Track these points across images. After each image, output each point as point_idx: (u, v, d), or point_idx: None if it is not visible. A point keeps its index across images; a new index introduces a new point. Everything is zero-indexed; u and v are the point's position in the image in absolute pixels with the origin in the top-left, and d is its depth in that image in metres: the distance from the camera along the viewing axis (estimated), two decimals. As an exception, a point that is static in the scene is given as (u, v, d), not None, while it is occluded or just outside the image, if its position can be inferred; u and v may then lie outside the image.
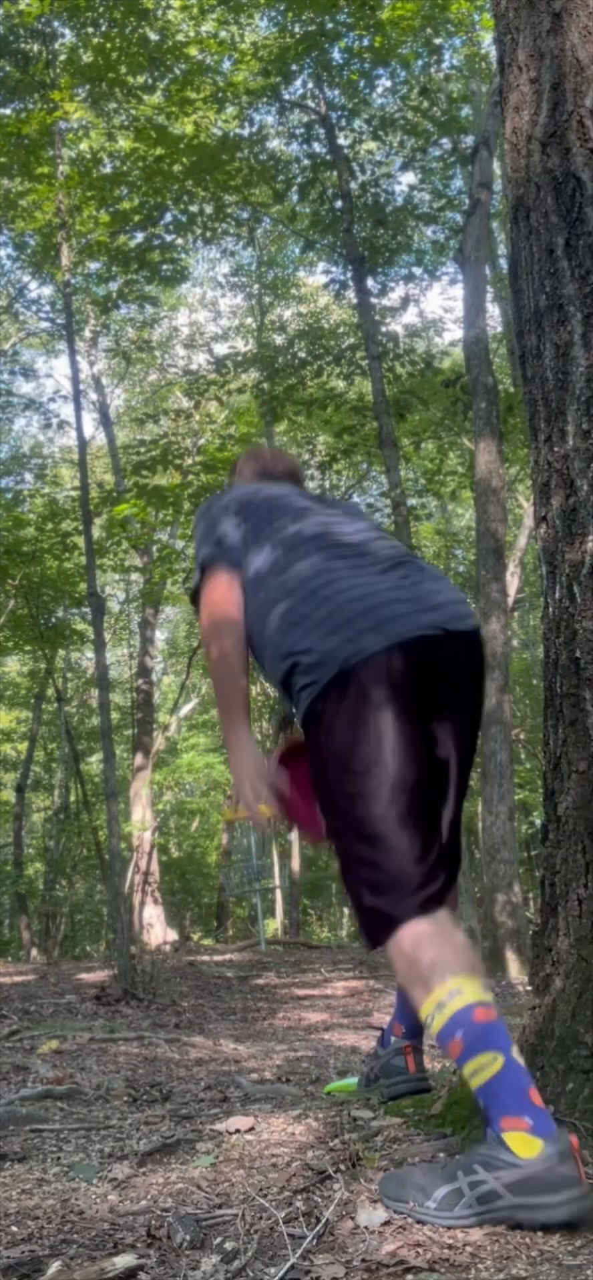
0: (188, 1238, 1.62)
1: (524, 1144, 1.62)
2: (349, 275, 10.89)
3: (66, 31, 8.91)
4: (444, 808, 2.02)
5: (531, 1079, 1.71)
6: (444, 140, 11.40)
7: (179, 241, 11.22)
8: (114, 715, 14.70)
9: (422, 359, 11.25)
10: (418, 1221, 1.65)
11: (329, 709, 1.90)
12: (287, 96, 10.92)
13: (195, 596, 2.23)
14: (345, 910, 22.10)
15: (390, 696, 1.87)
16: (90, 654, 16.85)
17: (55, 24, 8.32)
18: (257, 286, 16.91)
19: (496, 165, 10.32)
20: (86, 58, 8.72)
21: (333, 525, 2.17)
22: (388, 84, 11.25)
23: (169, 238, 10.86)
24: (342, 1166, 1.91)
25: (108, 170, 9.83)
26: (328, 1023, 5.09)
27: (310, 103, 10.92)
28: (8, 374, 15.32)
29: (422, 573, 2.06)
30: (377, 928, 1.85)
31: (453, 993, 1.74)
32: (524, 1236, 1.58)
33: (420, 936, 1.80)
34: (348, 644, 1.89)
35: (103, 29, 8.54)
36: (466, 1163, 1.69)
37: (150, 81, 9.17)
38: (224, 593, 2.13)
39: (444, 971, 1.76)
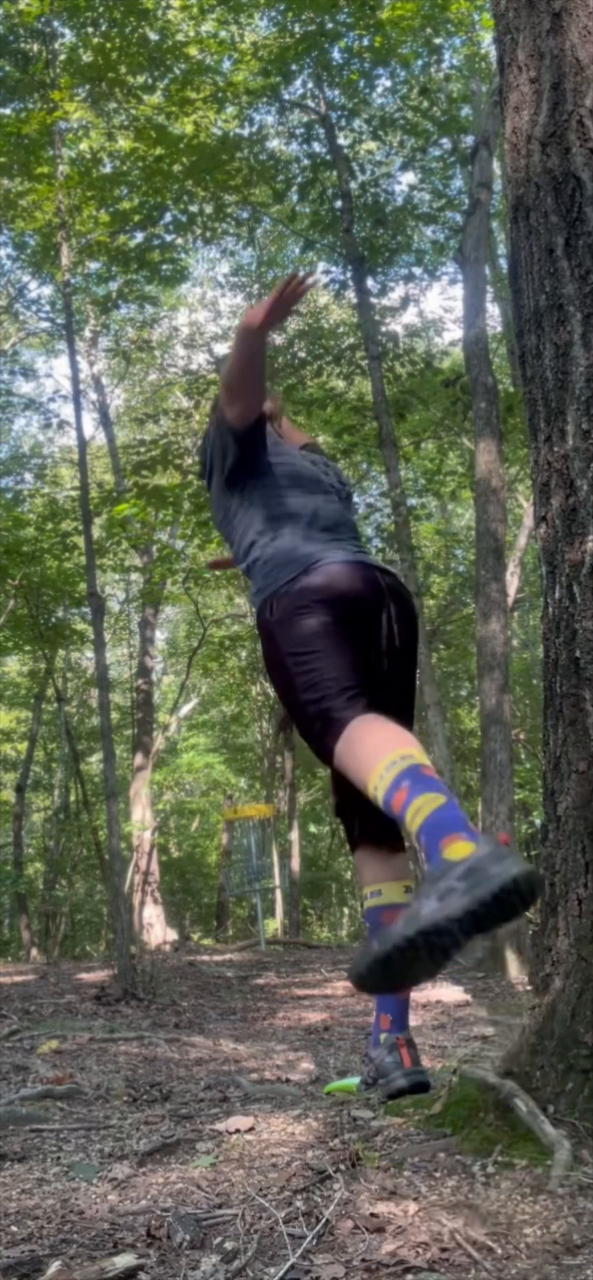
0: (188, 1237, 1.62)
1: (463, 848, 1.78)
2: (349, 275, 10.89)
3: (66, 31, 8.91)
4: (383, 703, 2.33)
5: (466, 817, 1.90)
6: (444, 140, 11.40)
7: (179, 241, 11.22)
8: (114, 715, 14.70)
9: (422, 359, 11.25)
10: (383, 956, 1.73)
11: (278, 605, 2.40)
12: (286, 96, 10.92)
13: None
14: (345, 910, 22.09)
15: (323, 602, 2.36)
16: (90, 654, 16.86)
17: (55, 24, 8.31)
18: (257, 286, 16.90)
19: (495, 165, 10.32)
20: (86, 57, 8.72)
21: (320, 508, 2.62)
22: (388, 84, 11.25)
23: (169, 238, 10.86)
24: (342, 1166, 1.92)
25: (108, 170, 9.83)
26: (328, 1022, 5.09)
27: (310, 103, 10.92)
28: (8, 374, 15.33)
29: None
30: (326, 735, 2.23)
31: (403, 757, 1.99)
32: (525, 1236, 1.58)
33: (363, 728, 2.13)
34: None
35: (103, 29, 8.54)
36: (414, 895, 1.88)
37: (150, 81, 9.17)
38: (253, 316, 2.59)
39: (389, 747, 2.02)
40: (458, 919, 1.71)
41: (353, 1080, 2.77)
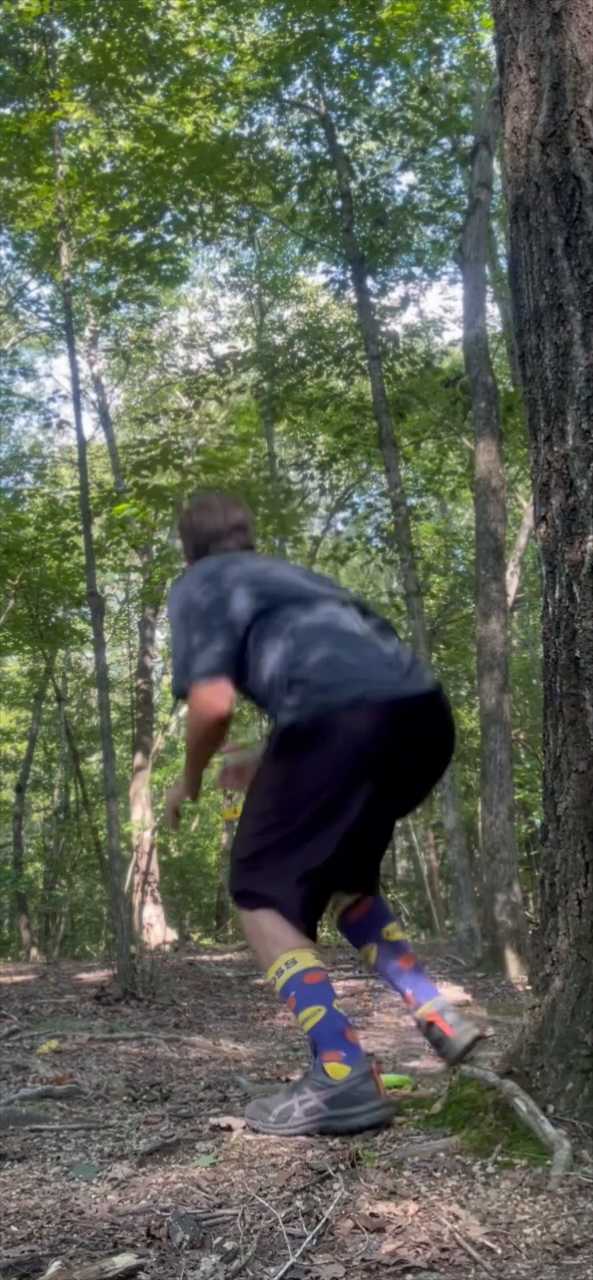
0: (187, 1237, 1.62)
1: (337, 1070, 2.19)
2: (349, 275, 10.89)
3: (66, 31, 8.91)
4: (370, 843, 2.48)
5: (348, 1023, 2.26)
6: (444, 140, 11.40)
7: (179, 241, 11.22)
8: (114, 715, 14.70)
9: (422, 359, 11.24)
10: (260, 1132, 2.18)
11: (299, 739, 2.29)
12: (286, 96, 10.92)
13: (182, 694, 2.44)
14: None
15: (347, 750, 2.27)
16: (90, 654, 16.85)
17: (55, 23, 8.31)
18: (256, 286, 16.91)
19: (495, 165, 10.32)
20: (86, 57, 8.72)
21: (336, 617, 2.44)
22: (388, 84, 11.25)
23: (169, 237, 10.86)
24: (341, 1166, 1.92)
25: (107, 170, 9.83)
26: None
27: (310, 102, 10.92)
28: (7, 374, 15.33)
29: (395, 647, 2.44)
30: (246, 895, 2.36)
31: (288, 962, 2.27)
32: (525, 1235, 1.58)
33: (269, 918, 2.31)
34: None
35: (102, 28, 8.53)
36: (299, 1085, 2.25)
37: (150, 81, 9.17)
38: (220, 703, 2.36)
39: (282, 948, 2.28)
40: (310, 1134, 2.16)
41: (400, 1076, 2.81)
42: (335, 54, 10.17)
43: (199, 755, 2.51)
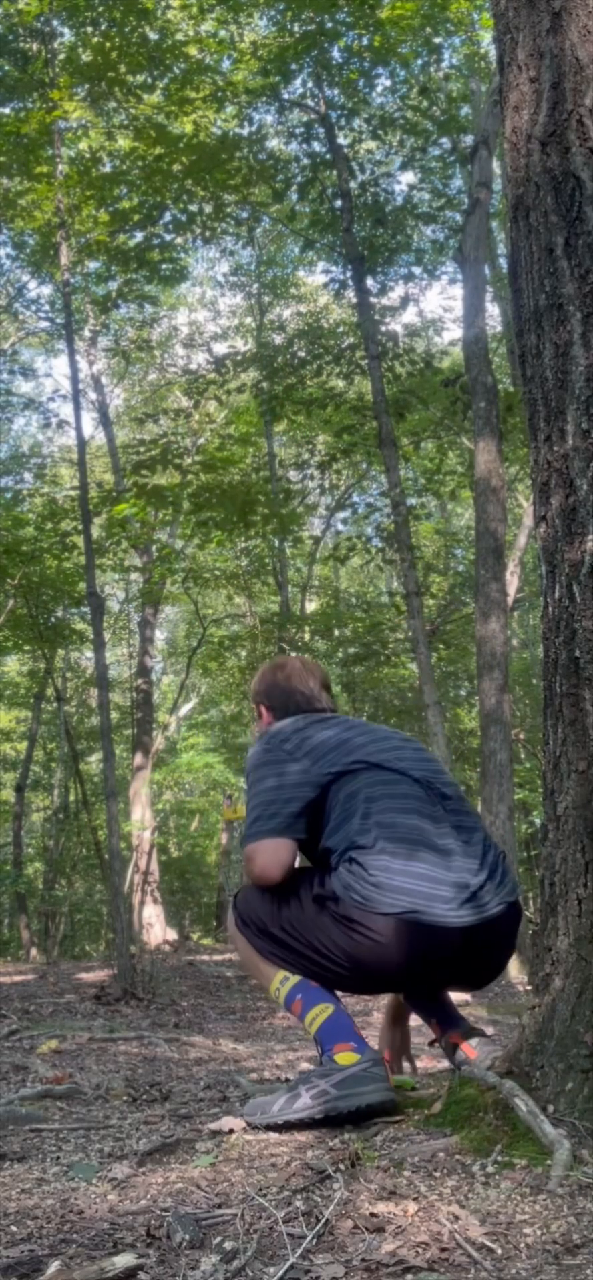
0: (187, 1237, 1.61)
1: (348, 1057, 2.20)
2: (349, 275, 10.89)
3: (66, 30, 8.91)
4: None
5: (353, 1022, 2.31)
6: (444, 139, 11.40)
7: (178, 241, 11.22)
8: (113, 715, 14.68)
9: (421, 358, 11.24)
10: (261, 1126, 2.19)
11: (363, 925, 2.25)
12: (286, 96, 10.91)
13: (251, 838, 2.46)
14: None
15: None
16: (90, 653, 16.85)
17: (54, 23, 8.31)
18: (256, 286, 16.91)
19: (495, 165, 10.32)
20: (86, 57, 8.72)
21: (413, 805, 2.37)
22: (387, 83, 11.25)
23: (168, 237, 10.86)
24: (341, 1166, 1.91)
25: (107, 169, 9.82)
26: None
27: (310, 102, 10.91)
28: (7, 373, 15.33)
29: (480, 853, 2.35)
30: (248, 923, 2.44)
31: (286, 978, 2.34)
32: (525, 1236, 1.58)
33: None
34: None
35: (102, 28, 8.53)
36: (306, 1075, 2.26)
37: (150, 81, 9.17)
38: (273, 872, 2.40)
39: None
40: (317, 1120, 2.17)
41: (402, 1078, 2.76)
42: (335, 53, 10.16)
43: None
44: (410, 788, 2.38)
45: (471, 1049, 2.40)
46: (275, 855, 2.38)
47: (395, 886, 2.22)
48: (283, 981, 2.34)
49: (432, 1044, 2.64)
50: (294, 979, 2.33)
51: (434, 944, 2.23)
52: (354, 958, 2.25)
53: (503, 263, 12.75)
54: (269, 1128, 2.22)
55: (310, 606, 17.84)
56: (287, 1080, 3.20)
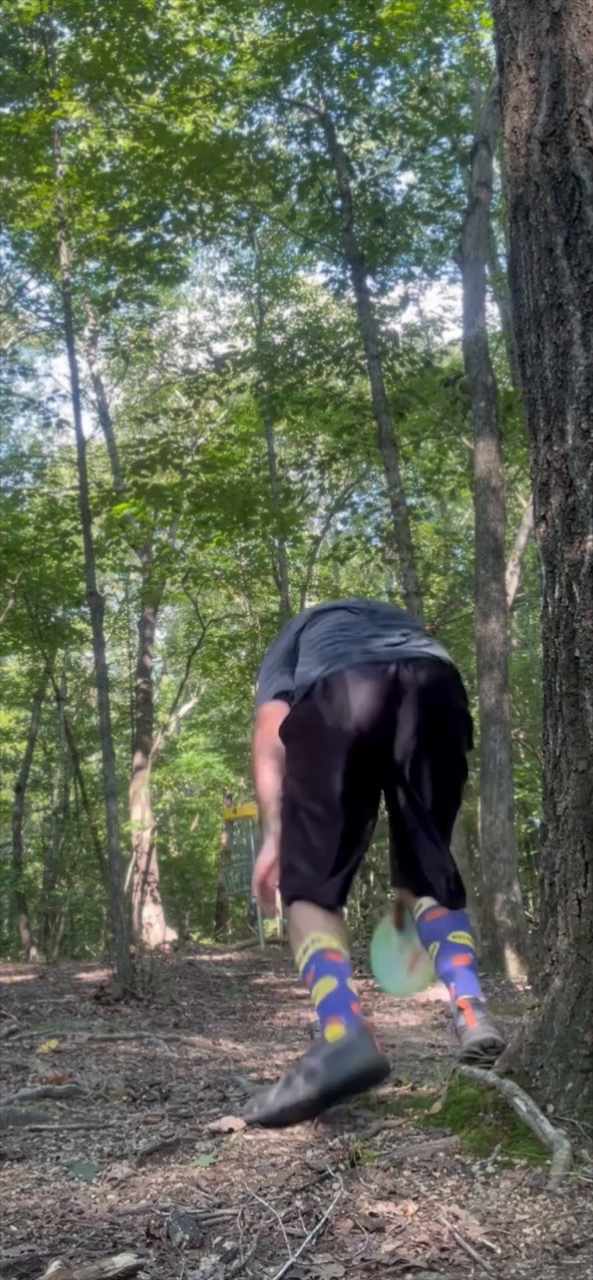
0: (187, 1237, 1.62)
1: (336, 1031, 2.26)
2: (348, 274, 10.89)
3: (66, 30, 8.90)
4: (417, 806, 2.59)
5: (357, 1000, 2.35)
6: (444, 139, 11.40)
7: (178, 240, 11.22)
8: (113, 714, 14.69)
9: (421, 358, 11.24)
10: (263, 1121, 2.26)
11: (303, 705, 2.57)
12: (286, 96, 10.91)
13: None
14: (345, 910, 22.11)
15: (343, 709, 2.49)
16: (89, 653, 16.85)
17: (54, 23, 8.30)
18: (256, 285, 16.90)
19: (495, 164, 10.32)
20: (86, 57, 8.71)
21: (333, 621, 2.77)
22: (387, 83, 11.25)
23: (168, 237, 10.85)
24: (341, 1166, 1.91)
25: (107, 169, 9.82)
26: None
27: (310, 102, 10.91)
28: (7, 373, 15.33)
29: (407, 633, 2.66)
30: (291, 895, 2.51)
31: (314, 940, 2.41)
32: (525, 1235, 1.58)
33: (304, 910, 2.47)
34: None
35: (102, 28, 8.52)
36: (298, 1062, 2.40)
37: (149, 80, 9.16)
38: (272, 721, 2.69)
39: (311, 929, 2.43)
40: (314, 1100, 2.24)
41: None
42: (335, 53, 10.16)
43: (259, 797, 2.79)
44: (346, 615, 2.75)
45: (472, 1018, 2.48)
46: (268, 713, 2.73)
47: (322, 658, 2.56)
48: (304, 950, 2.43)
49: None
50: (313, 948, 2.41)
51: (365, 684, 2.46)
52: (312, 746, 2.51)
53: (503, 262, 12.74)
54: (268, 1121, 2.27)
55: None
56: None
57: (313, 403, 11.64)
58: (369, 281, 10.95)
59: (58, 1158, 2.18)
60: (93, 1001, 5.63)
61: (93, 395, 15.06)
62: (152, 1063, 3.65)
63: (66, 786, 17.36)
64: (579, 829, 2.01)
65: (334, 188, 10.65)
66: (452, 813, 2.69)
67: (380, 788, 2.61)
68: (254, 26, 10.98)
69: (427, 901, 2.64)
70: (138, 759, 14.46)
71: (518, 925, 7.38)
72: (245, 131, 10.82)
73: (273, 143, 12.07)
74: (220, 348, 14.36)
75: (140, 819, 14.02)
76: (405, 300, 12.37)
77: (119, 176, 9.74)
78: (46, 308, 13.85)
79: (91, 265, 12.21)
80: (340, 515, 17.82)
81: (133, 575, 15.20)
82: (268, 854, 2.65)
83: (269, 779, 2.68)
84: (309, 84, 10.72)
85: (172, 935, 13.92)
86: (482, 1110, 2.03)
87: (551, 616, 2.16)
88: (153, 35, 8.96)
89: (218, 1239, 1.63)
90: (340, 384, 12.35)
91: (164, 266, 11.28)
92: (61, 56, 8.58)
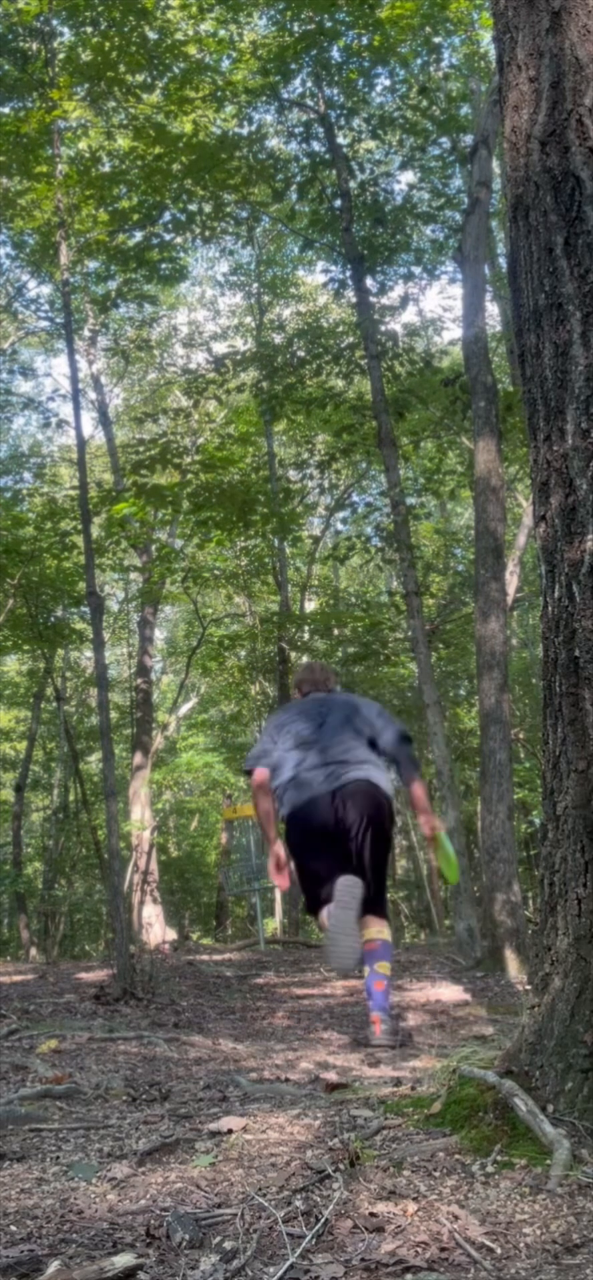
0: (187, 1237, 1.61)
1: (323, 924, 4.31)
2: (348, 274, 10.88)
3: (65, 30, 8.90)
4: (361, 858, 4.21)
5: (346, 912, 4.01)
6: (443, 139, 11.39)
7: (178, 240, 11.22)
8: (113, 714, 14.68)
9: (421, 358, 11.24)
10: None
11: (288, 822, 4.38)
12: (286, 95, 10.90)
13: (249, 773, 4.61)
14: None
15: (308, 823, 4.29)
16: (89, 653, 16.85)
17: (54, 22, 8.30)
18: (256, 285, 16.91)
19: (495, 164, 10.31)
20: (85, 56, 8.71)
21: (295, 757, 4.42)
22: (387, 83, 11.24)
23: (168, 236, 10.85)
24: (341, 1166, 1.91)
25: (107, 169, 9.82)
26: (327, 1022, 5.09)
27: (309, 101, 10.90)
28: (7, 373, 15.32)
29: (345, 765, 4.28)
30: (312, 909, 4.36)
31: (327, 912, 4.05)
32: (524, 1235, 1.58)
33: (322, 911, 4.19)
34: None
35: (102, 28, 8.52)
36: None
37: (149, 80, 9.16)
38: (261, 777, 4.46)
39: (324, 912, 4.14)
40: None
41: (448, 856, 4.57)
42: (335, 53, 10.15)
43: (260, 819, 4.59)
44: (303, 741, 4.41)
45: (379, 1029, 4.04)
46: (259, 773, 4.47)
47: (294, 787, 4.30)
48: (323, 919, 4.19)
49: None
50: (324, 913, 4.20)
51: (318, 805, 4.20)
52: (298, 840, 4.33)
53: (503, 262, 12.74)
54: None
55: (310, 606, 17.84)
56: (286, 1080, 3.20)
57: (313, 402, 11.64)
58: (369, 281, 10.95)
59: (57, 1158, 2.18)
60: (92, 1001, 5.63)
61: (92, 395, 15.07)
62: (151, 1063, 3.65)
63: (66, 786, 17.35)
64: (579, 829, 2.01)
65: (334, 187, 10.65)
66: (382, 858, 4.33)
67: (342, 839, 4.20)
68: (254, 26, 10.98)
69: (366, 932, 4.20)
70: (138, 759, 14.46)
71: (518, 925, 7.37)
72: (245, 131, 10.81)
73: (273, 142, 12.07)
74: (220, 347, 14.36)
75: (140, 819, 14.02)
76: (405, 300, 12.36)
77: (119, 176, 9.73)
78: (46, 307, 13.86)
79: (91, 265, 12.21)
80: (340, 515, 17.83)
81: (133, 575, 15.20)
82: (275, 850, 4.46)
83: (263, 806, 4.47)
84: (309, 84, 10.71)
85: (171, 935, 13.92)
86: (482, 1110, 2.03)
87: (550, 616, 2.16)
88: (153, 35, 8.95)
89: (218, 1239, 1.63)
90: (340, 384, 12.35)
91: (164, 266, 11.28)
92: (61, 56, 8.58)
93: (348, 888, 3.95)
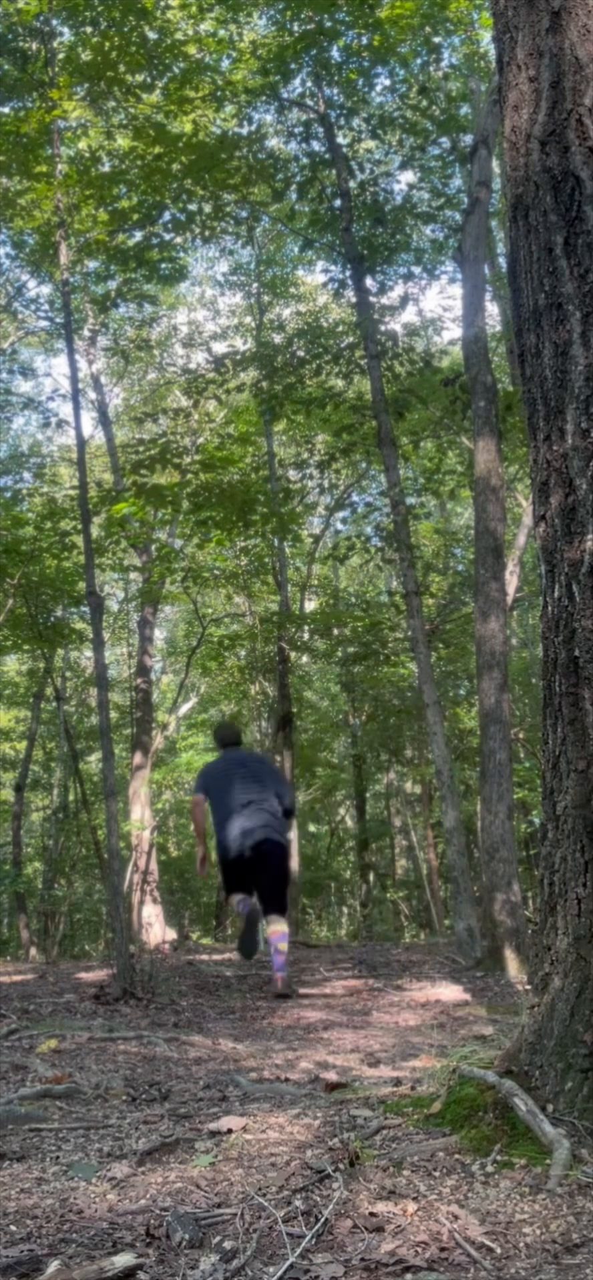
0: (187, 1237, 1.61)
1: (238, 921, 7.17)
2: (348, 274, 10.88)
3: (65, 30, 8.89)
4: (265, 886, 6.48)
5: (252, 905, 6.51)
6: (443, 139, 11.38)
7: (178, 240, 11.21)
8: (113, 714, 14.67)
9: (421, 358, 11.23)
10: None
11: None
12: (285, 95, 10.90)
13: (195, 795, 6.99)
14: (345, 909, 22.13)
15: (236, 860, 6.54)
16: (89, 653, 16.85)
17: (54, 22, 8.30)
18: (255, 285, 16.90)
19: (495, 164, 10.30)
20: (85, 56, 8.71)
21: (236, 796, 6.57)
22: (387, 82, 11.23)
23: (168, 236, 10.84)
24: (341, 1166, 1.91)
25: (106, 169, 9.81)
26: (327, 1022, 5.09)
27: (309, 101, 10.90)
28: (7, 373, 15.32)
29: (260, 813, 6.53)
30: (228, 893, 6.84)
31: (237, 899, 6.61)
32: (524, 1235, 1.58)
33: (233, 896, 6.72)
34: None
35: (101, 27, 8.52)
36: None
37: (149, 80, 9.16)
38: (198, 800, 6.83)
39: (234, 897, 6.69)
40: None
41: None
42: (334, 53, 10.15)
43: (195, 826, 7.09)
44: (231, 797, 6.49)
45: (279, 981, 6.23)
46: (197, 798, 6.81)
47: (226, 834, 6.44)
48: (233, 903, 6.57)
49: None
50: (234, 899, 6.65)
51: (239, 849, 6.34)
52: (225, 864, 6.55)
53: (503, 262, 12.74)
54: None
55: (310, 606, 17.84)
56: (286, 1080, 3.20)
57: (313, 402, 11.63)
58: (369, 281, 10.94)
59: (57, 1157, 2.18)
60: (92, 1001, 5.63)
61: (92, 395, 15.05)
62: (151, 1062, 3.65)
63: (66, 786, 17.34)
64: (579, 829, 2.01)
65: (334, 187, 10.64)
66: (281, 887, 6.49)
67: (251, 873, 6.38)
68: (254, 26, 10.97)
69: (268, 920, 6.39)
70: (137, 758, 14.46)
71: (518, 925, 7.37)
72: (245, 131, 10.80)
73: (272, 142, 12.06)
74: (220, 347, 14.35)
75: (140, 818, 14.02)
76: (405, 300, 12.34)
77: (118, 176, 9.73)
78: (46, 307, 13.85)
79: (91, 265, 12.20)
80: (340, 515, 17.82)
81: (132, 575, 15.19)
82: (201, 854, 6.82)
83: (198, 822, 6.87)
84: (309, 83, 10.71)
85: (171, 935, 13.91)
86: (481, 1110, 2.03)
87: (550, 616, 2.16)
88: (152, 35, 8.95)
89: (218, 1239, 1.63)
90: (340, 384, 12.34)
91: (164, 266, 11.27)
92: (61, 56, 8.58)
93: (254, 910, 6.40)
